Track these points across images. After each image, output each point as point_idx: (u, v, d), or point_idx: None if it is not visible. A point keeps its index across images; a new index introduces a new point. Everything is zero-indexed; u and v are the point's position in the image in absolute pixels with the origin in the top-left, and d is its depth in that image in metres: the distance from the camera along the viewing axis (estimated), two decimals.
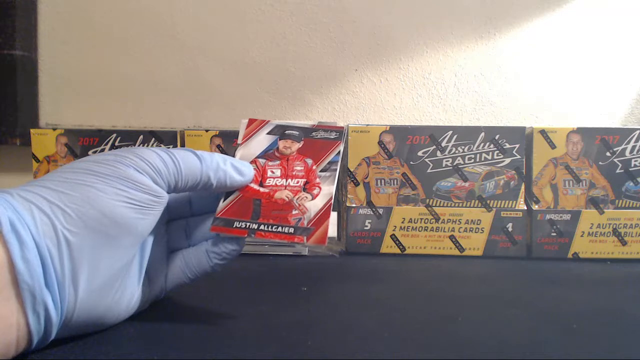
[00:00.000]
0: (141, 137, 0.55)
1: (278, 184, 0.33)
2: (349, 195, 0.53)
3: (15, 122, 0.73)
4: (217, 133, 0.54)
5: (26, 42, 0.74)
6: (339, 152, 0.34)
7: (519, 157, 0.52)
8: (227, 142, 0.54)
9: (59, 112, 0.78)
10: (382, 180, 0.53)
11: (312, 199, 0.32)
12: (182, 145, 0.55)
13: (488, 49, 0.75)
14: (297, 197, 0.32)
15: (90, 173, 0.25)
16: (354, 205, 0.53)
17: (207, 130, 0.55)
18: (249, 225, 0.30)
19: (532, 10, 0.74)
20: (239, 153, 0.35)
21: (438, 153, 0.52)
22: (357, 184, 0.53)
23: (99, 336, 0.27)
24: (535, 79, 0.75)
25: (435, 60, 0.76)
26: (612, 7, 0.73)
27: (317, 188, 0.32)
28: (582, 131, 0.52)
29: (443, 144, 0.52)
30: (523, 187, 0.52)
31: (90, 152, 0.55)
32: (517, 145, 0.52)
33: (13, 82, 0.72)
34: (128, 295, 0.28)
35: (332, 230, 0.56)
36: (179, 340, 0.27)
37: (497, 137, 0.52)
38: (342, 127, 0.35)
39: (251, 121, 0.36)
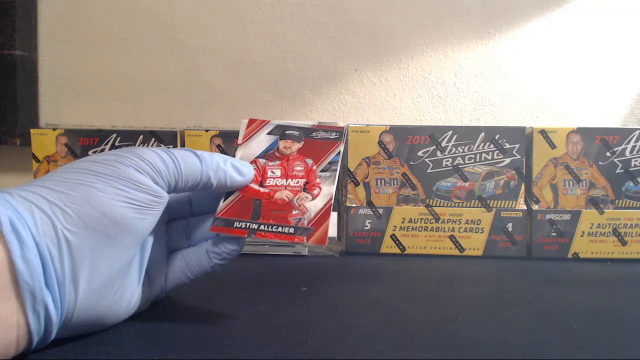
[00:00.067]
0: (141, 137, 0.55)
1: (278, 184, 0.33)
2: (349, 195, 0.53)
3: (15, 122, 0.73)
4: (217, 133, 0.54)
5: (26, 42, 0.74)
6: (339, 152, 0.34)
7: (519, 157, 0.52)
8: (227, 142, 0.54)
9: (59, 112, 0.78)
10: (382, 180, 0.53)
11: (312, 199, 0.32)
12: (182, 145, 0.55)
13: (488, 49, 0.75)
14: (297, 197, 0.32)
15: (91, 173, 0.25)
16: (354, 205, 0.53)
17: (207, 130, 0.55)
18: (249, 225, 0.30)
19: (532, 10, 0.74)
20: (239, 153, 0.35)
21: (438, 153, 0.52)
22: (357, 184, 0.53)
23: (99, 336, 0.27)
24: (535, 79, 0.75)
25: (435, 60, 0.76)
26: (612, 7, 0.73)
27: (317, 188, 0.32)
28: (582, 131, 0.52)
29: (443, 144, 0.52)
30: (523, 187, 0.52)
31: (90, 152, 0.55)
32: (517, 145, 0.52)
33: (13, 82, 0.72)
34: (128, 295, 0.28)
35: (332, 230, 0.56)
36: (179, 340, 0.27)
37: (497, 137, 0.52)
38: (343, 127, 0.35)
39: (251, 121, 0.36)
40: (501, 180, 0.52)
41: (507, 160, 0.52)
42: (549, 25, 0.74)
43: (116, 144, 0.55)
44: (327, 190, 0.32)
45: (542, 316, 0.32)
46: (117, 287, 0.27)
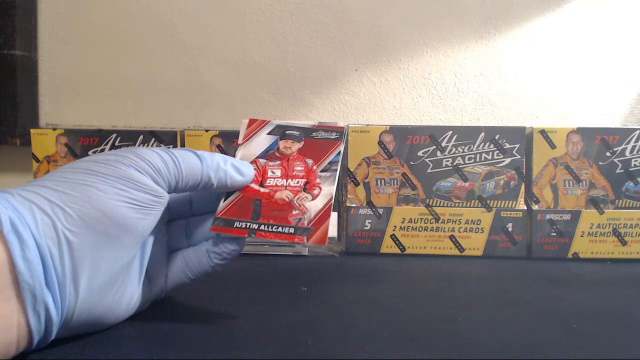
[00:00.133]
0: (141, 137, 0.55)
1: (278, 184, 0.33)
2: (349, 195, 0.53)
3: (15, 122, 0.73)
4: (217, 133, 0.54)
5: (26, 42, 0.74)
6: (340, 152, 0.34)
7: (519, 157, 0.52)
8: (227, 142, 0.54)
9: (59, 112, 0.78)
10: (382, 180, 0.53)
11: (313, 199, 0.32)
12: (182, 145, 0.55)
13: (488, 49, 0.75)
14: (297, 197, 0.32)
15: (91, 173, 0.25)
16: (354, 205, 0.53)
17: (207, 130, 0.55)
18: (249, 225, 0.30)
19: (532, 10, 0.74)
20: (239, 153, 0.35)
21: (438, 153, 0.52)
22: (357, 184, 0.53)
23: (99, 336, 0.27)
24: (535, 79, 0.75)
25: (435, 60, 0.76)
26: (612, 7, 0.73)
27: (317, 188, 0.32)
28: (582, 131, 0.52)
29: (443, 144, 0.52)
30: (523, 187, 0.52)
31: (90, 152, 0.55)
32: (517, 145, 0.52)
33: (13, 82, 0.72)
34: (128, 295, 0.28)
35: (332, 230, 0.56)
36: (179, 340, 0.27)
37: (497, 137, 0.52)
38: (343, 128, 0.35)
39: (251, 121, 0.36)
40: (501, 180, 0.52)
41: (507, 160, 0.52)
42: (549, 25, 0.74)
43: (116, 144, 0.55)
44: (327, 190, 0.32)
45: (542, 316, 0.32)
46: (117, 287, 0.27)
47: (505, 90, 0.76)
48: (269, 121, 0.36)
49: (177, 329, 0.29)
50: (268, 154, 0.34)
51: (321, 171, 0.33)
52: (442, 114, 0.76)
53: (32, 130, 0.55)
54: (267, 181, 0.33)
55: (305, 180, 0.33)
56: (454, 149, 0.52)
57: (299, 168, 0.33)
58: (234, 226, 0.30)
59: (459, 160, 0.52)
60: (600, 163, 0.51)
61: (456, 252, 0.52)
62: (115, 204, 0.25)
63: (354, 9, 0.76)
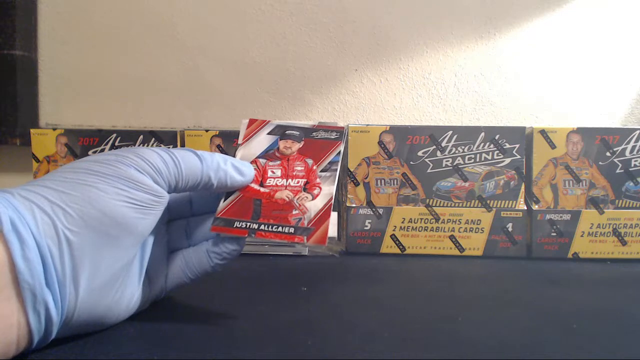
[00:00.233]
0: (141, 137, 0.55)
1: (278, 184, 0.33)
2: (349, 195, 0.53)
3: (15, 122, 0.73)
4: (217, 133, 0.54)
5: (26, 42, 0.74)
6: (340, 152, 0.34)
7: (519, 157, 0.52)
8: (227, 142, 0.54)
9: (59, 112, 0.78)
10: (382, 180, 0.53)
11: (313, 199, 0.32)
12: (182, 145, 0.55)
13: (488, 49, 0.75)
14: (297, 197, 0.32)
15: (91, 173, 0.25)
16: (354, 205, 0.53)
17: (207, 130, 0.55)
18: (250, 225, 0.30)
19: (532, 10, 0.74)
20: (239, 153, 0.35)
21: (438, 153, 0.52)
22: (357, 184, 0.53)
23: (99, 336, 0.27)
24: (535, 79, 0.75)
25: (435, 60, 0.76)
26: (612, 7, 0.73)
27: (317, 188, 0.32)
28: (582, 131, 0.52)
29: (443, 144, 0.52)
30: (523, 187, 0.52)
31: (90, 152, 0.55)
32: (517, 145, 0.52)
33: (13, 82, 0.72)
34: (128, 295, 0.28)
35: (332, 230, 0.56)
36: (179, 340, 0.27)
37: (497, 137, 0.52)
38: (343, 127, 0.35)
39: (252, 121, 0.36)
40: (501, 180, 0.52)
41: (507, 160, 0.52)
42: (549, 25, 0.74)
43: (116, 144, 0.55)
44: (327, 190, 0.32)
45: (542, 316, 0.32)
46: (117, 287, 0.27)
47: (505, 90, 0.76)
48: (269, 121, 0.36)
49: (177, 329, 0.29)
50: (268, 154, 0.34)
51: (321, 171, 0.33)
52: (442, 114, 0.76)
53: (32, 130, 0.55)
54: (267, 181, 0.33)
55: (305, 180, 0.33)
56: (454, 149, 0.52)
57: (299, 168, 0.33)
58: (234, 226, 0.30)
59: (459, 160, 0.52)
60: (600, 163, 0.51)
61: (456, 252, 0.52)
62: (115, 204, 0.25)
63: (354, 9, 0.76)
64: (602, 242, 0.51)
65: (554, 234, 0.51)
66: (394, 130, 0.53)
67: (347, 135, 0.53)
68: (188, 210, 0.34)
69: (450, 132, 0.52)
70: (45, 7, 0.76)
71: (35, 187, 0.24)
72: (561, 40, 0.74)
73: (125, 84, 0.77)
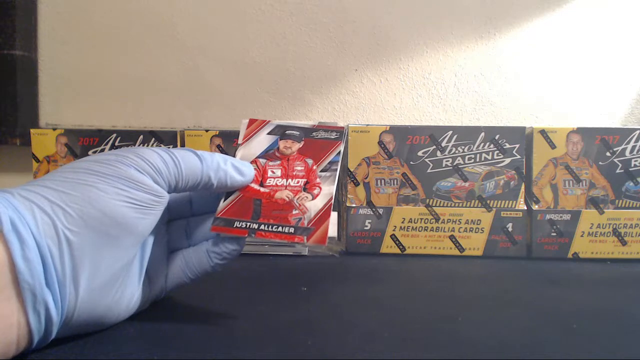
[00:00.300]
0: (141, 137, 0.55)
1: (278, 184, 0.33)
2: (349, 195, 0.53)
3: (15, 122, 0.73)
4: (217, 133, 0.54)
5: (26, 42, 0.74)
6: (340, 152, 0.34)
7: (519, 157, 0.52)
8: (227, 142, 0.54)
9: (59, 112, 0.78)
10: (382, 180, 0.53)
11: (313, 198, 0.32)
12: (182, 145, 0.55)
13: (488, 49, 0.75)
14: (297, 197, 0.32)
15: (91, 173, 0.25)
16: (354, 205, 0.53)
17: (207, 130, 0.55)
18: (250, 225, 0.30)
19: (532, 10, 0.74)
20: (239, 153, 0.35)
21: (438, 153, 0.52)
22: (357, 184, 0.53)
23: (99, 336, 0.27)
24: (535, 79, 0.75)
25: (435, 60, 0.76)
26: (612, 7, 0.73)
27: (317, 188, 0.32)
28: (582, 131, 0.52)
29: (443, 144, 0.52)
30: (523, 187, 0.52)
31: (90, 152, 0.55)
32: (517, 145, 0.52)
33: (13, 82, 0.72)
34: (128, 295, 0.28)
35: (332, 230, 0.56)
36: (179, 340, 0.27)
37: (497, 137, 0.52)
38: (343, 127, 0.35)
39: (252, 121, 0.36)
40: (501, 180, 0.52)
41: (507, 160, 0.52)
42: (549, 25, 0.74)
43: (116, 144, 0.55)
44: (327, 190, 0.32)
45: (542, 316, 0.32)
46: (117, 287, 0.27)
47: (505, 90, 0.76)
48: (269, 121, 0.36)
49: (177, 329, 0.29)
50: (268, 153, 0.34)
51: (321, 171, 0.33)
52: (442, 114, 0.76)
53: (32, 130, 0.55)
54: (267, 181, 0.33)
55: (305, 180, 0.33)
56: (454, 149, 0.52)
57: (299, 168, 0.33)
58: (234, 226, 0.30)
59: (459, 160, 0.52)
60: (600, 163, 0.51)
61: (456, 252, 0.52)
62: (115, 204, 0.25)
63: (354, 9, 0.76)
64: (602, 242, 0.51)
65: (554, 234, 0.51)
66: (394, 130, 0.53)
67: (347, 135, 0.53)
68: (188, 210, 0.34)
69: (450, 132, 0.52)
70: (45, 7, 0.76)
71: (35, 187, 0.24)
72: (561, 40, 0.74)
73: (125, 84, 0.77)
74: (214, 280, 0.39)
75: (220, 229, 0.30)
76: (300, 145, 0.35)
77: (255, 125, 0.36)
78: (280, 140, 0.35)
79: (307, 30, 0.76)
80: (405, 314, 0.33)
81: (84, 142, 0.55)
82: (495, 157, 0.52)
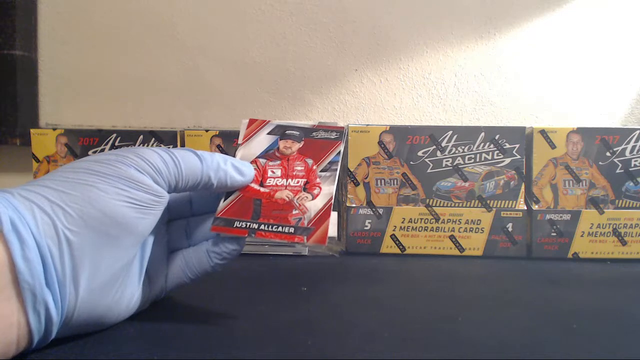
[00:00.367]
0: (141, 137, 0.55)
1: (278, 183, 0.33)
2: (349, 195, 0.53)
3: (15, 122, 0.73)
4: (217, 133, 0.54)
5: (26, 42, 0.74)
6: (340, 152, 0.34)
7: (519, 157, 0.52)
8: (227, 142, 0.54)
9: (59, 112, 0.78)
10: (382, 180, 0.53)
11: (313, 198, 0.32)
12: (182, 145, 0.55)
13: (488, 49, 0.75)
14: (297, 197, 0.32)
15: (91, 173, 0.25)
16: (354, 205, 0.53)
17: (207, 130, 0.55)
18: (250, 225, 0.30)
19: (532, 10, 0.74)
20: (239, 153, 0.35)
21: (438, 153, 0.52)
22: (357, 184, 0.53)
23: (99, 336, 0.27)
24: (535, 79, 0.75)
25: (435, 60, 0.76)
26: (612, 7, 0.73)
27: (317, 188, 0.32)
28: (582, 131, 0.52)
29: (443, 144, 0.52)
30: (523, 187, 0.52)
31: (90, 152, 0.55)
32: (517, 145, 0.52)
33: (13, 82, 0.72)
34: (128, 295, 0.28)
35: (332, 230, 0.56)
36: (179, 340, 0.27)
37: (497, 137, 0.52)
38: (343, 127, 0.35)
39: (251, 121, 0.36)
40: (501, 180, 0.52)
41: (507, 160, 0.52)
42: (549, 25, 0.74)
43: (116, 144, 0.55)
44: (327, 190, 0.32)
45: (542, 316, 0.32)
46: (117, 287, 0.27)
47: (505, 90, 0.76)
48: (269, 121, 0.36)
49: (177, 328, 0.29)
50: (268, 153, 0.34)
51: (321, 171, 0.33)
52: (442, 114, 0.76)
53: (32, 130, 0.55)
54: (267, 181, 0.33)
55: (305, 180, 0.33)
56: (454, 149, 0.52)
57: (299, 168, 0.33)
58: (234, 226, 0.30)
59: (459, 160, 0.52)
60: (600, 163, 0.51)
61: (456, 252, 0.52)
62: (115, 204, 0.25)
63: (354, 9, 0.76)
64: (602, 242, 0.51)
65: (554, 234, 0.51)
66: (394, 130, 0.53)
67: (347, 135, 0.53)
68: (188, 210, 0.34)
69: (450, 132, 0.52)
70: (45, 7, 0.76)
71: (35, 187, 0.24)
72: (561, 40, 0.74)
73: (125, 84, 0.77)
74: (214, 280, 0.39)
75: (220, 229, 0.30)
76: (300, 145, 0.35)
77: (255, 125, 0.36)
78: (280, 140, 0.35)
79: (307, 30, 0.76)
80: (405, 314, 0.33)
81: (84, 142, 0.55)
82: (495, 157, 0.52)
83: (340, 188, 0.55)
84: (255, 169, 0.33)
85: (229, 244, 0.31)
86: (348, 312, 0.33)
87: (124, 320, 0.29)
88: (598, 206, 0.51)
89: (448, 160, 0.52)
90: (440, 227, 0.52)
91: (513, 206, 0.52)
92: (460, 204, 0.52)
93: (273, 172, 0.33)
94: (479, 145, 0.52)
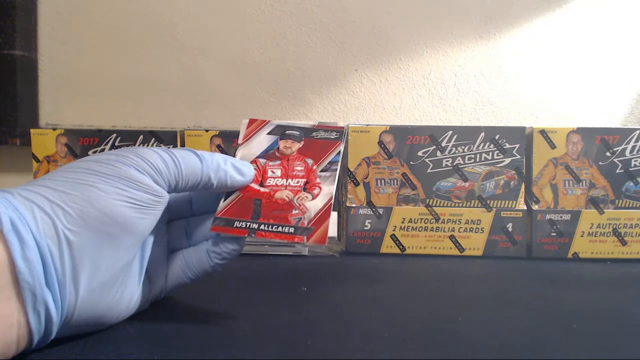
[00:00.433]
0: (141, 137, 0.55)
1: (278, 183, 0.33)
2: (349, 195, 0.53)
3: (15, 122, 0.73)
4: (217, 133, 0.54)
5: (26, 42, 0.74)
6: (339, 152, 0.34)
7: (519, 157, 0.52)
8: (227, 142, 0.54)
9: (59, 112, 0.78)
10: (382, 180, 0.53)
11: (313, 198, 0.32)
12: (182, 145, 0.55)
13: (488, 49, 0.75)
14: (297, 197, 0.32)
15: (91, 172, 0.25)
16: (354, 205, 0.53)
17: (207, 130, 0.55)
18: (249, 225, 0.30)
19: (532, 10, 0.74)
20: (239, 153, 0.35)
21: (438, 153, 0.52)
22: (357, 184, 0.53)
23: (99, 336, 0.27)
24: (535, 79, 0.75)
25: (435, 60, 0.76)
26: (612, 7, 0.73)
27: (317, 188, 0.32)
28: (582, 131, 0.52)
29: (443, 144, 0.52)
30: (523, 187, 0.52)
31: (90, 152, 0.55)
32: (517, 145, 0.52)
33: (13, 82, 0.72)
34: (128, 295, 0.28)
35: (332, 230, 0.56)
36: (179, 340, 0.27)
37: (497, 137, 0.52)
38: (343, 127, 0.35)
39: (251, 121, 0.36)
40: (501, 180, 0.52)
41: (507, 160, 0.52)
42: (549, 25, 0.74)
43: (116, 144, 0.55)
44: (327, 190, 0.32)
45: (542, 316, 0.32)
46: (117, 287, 0.27)
47: (505, 90, 0.76)
48: (269, 121, 0.36)
49: (177, 328, 0.29)
50: (268, 153, 0.34)
51: (321, 171, 0.33)
52: (442, 114, 0.76)
53: (32, 130, 0.55)
54: (267, 181, 0.33)
55: (305, 180, 0.33)
56: (454, 149, 0.52)
57: (299, 168, 0.33)
58: (234, 226, 0.30)
59: (459, 160, 0.52)
60: (600, 163, 0.51)
61: (456, 252, 0.52)
62: (115, 204, 0.25)
63: (354, 9, 0.76)
64: (602, 242, 0.51)
65: (554, 234, 0.51)
66: (394, 130, 0.53)
67: (347, 135, 0.53)
68: (188, 210, 0.34)
69: (450, 132, 0.52)
70: (45, 7, 0.76)
71: (35, 187, 0.24)
72: (561, 40, 0.74)
73: (125, 84, 0.77)
74: (214, 280, 0.39)
75: (220, 229, 0.30)
76: (300, 145, 0.35)
77: (255, 125, 0.36)
78: (280, 140, 0.35)
79: (307, 30, 0.76)
80: (405, 314, 0.33)
81: (84, 142, 0.55)
82: (495, 157, 0.52)
83: (340, 188, 0.55)
84: (255, 169, 0.33)
85: (229, 244, 0.31)
86: (348, 312, 0.33)
87: (124, 320, 0.29)
88: (598, 206, 0.51)
89: (448, 160, 0.52)
90: (440, 227, 0.52)
91: (513, 206, 0.52)
92: (460, 204, 0.52)
93: (273, 172, 0.33)
94: (479, 145, 0.52)
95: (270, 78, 0.77)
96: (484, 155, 0.52)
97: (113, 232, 0.25)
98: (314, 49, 0.76)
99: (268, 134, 0.36)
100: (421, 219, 0.52)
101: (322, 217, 0.31)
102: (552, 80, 0.75)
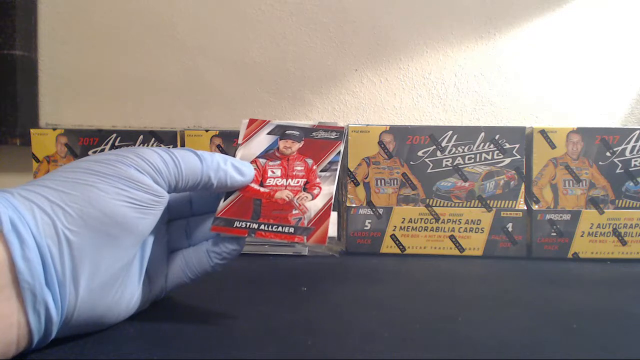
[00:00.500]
0: (141, 137, 0.55)
1: (278, 183, 0.33)
2: (349, 195, 0.53)
3: (15, 122, 0.73)
4: (217, 133, 0.54)
5: (26, 42, 0.74)
6: (339, 152, 0.34)
7: (519, 157, 0.52)
8: (227, 142, 0.54)
9: (59, 112, 0.78)
10: (382, 180, 0.53)
11: (313, 198, 0.32)
12: (182, 145, 0.55)
13: (488, 49, 0.75)
14: (297, 197, 0.32)
15: (91, 172, 0.25)
16: (354, 205, 0.53)
17: (207, 130, 0.55)
18: (249, 225, 0.30)
19: (532, 10, 0.74)
20: (239, 153, 0.35)
21: (438, 153, 0.52)
22: (357, 184, 0.53)
23: (99, 336, 0.27)
24: (535, 79, 0.75)
25: (435, 60, 0.76)
26: (612, 7, 0.73)
27: (317, 188, 0.32)
28: (582, 131, 0.52)
29: (443, 144, 0.52)
30: (523, 187, 0.52)
31: (90, 152, 0.55)
32: (517, 145, 0.52)
33: (13, 82, 0.72)
34: (128, 295, 0.28)
35: (332, 230, 0.56)
36: (179, 340, 0.27)
37: (497, 137, 0.52)
38: (343, 127, 0.35)
39: (251, 121, 0.36)
40: (501, 180, 0.52)
41: (507, 160, 0.52)
42: (549, 25, 0.74)
43: (116, 144, 0.55)
44: (327, 190, 0.32)
45: (542, 316, 0.32)
46: (117, 287, 0.27)
47: (505, 90, 0.76)
48: (269, 121, 0.36)
49: (177, 328, 0.29)
50: (268, 153, 0.34)
51: (321, 171, 0.33)
52: (442, 114, 0.76)
53: (32, 130, 0.55)
54: (267, 181, 0.33)
55: (305, 180, 0.33)
56: (454, 149, 0.52)
57: (299, 168, 0.33)
58: (234, 226, 0.30)
59: (459, 160, 0.52)
60: (600, 163, 0.51)
61: (456, 252, 0.52)
62: (115, 204, 0.25)
63: (354, 9, 0.76)
64: (602, 242, 0.51)
65: (554, 234, 0.51)
66: (394, 130, 0.53)
67: (347, 135, 0.53)
68: (188, 210, 0.34)
69: (450, 132, 0.52)
70: (45, 7, 0.76)
71: (35, 187, 0.24)
72: (561, 40, 0.74)
73: (125, 84, 0.77)
74: (214, 280, 0.39)
75: (220, 229, 0.30)
76: (300, 145, 0.35)
77: (255, 125, 0.36)
78: (280, 140, 0.35)
79: (307, 30, 0.76)
80: (405, 314, 0.33)
81: (84, 142, 0.55)
82: (495, 157, 0.52)
83: (340, 188, 0.55)
84: (255, 169, 0.33)
85: (229, 244, 0.31)
86: (348, 312, 0.33)
87: (124, 320, 0.29)
88: (598, 206, 0.51)
89: (448, 160, 0.52)
90: (440, 227, 0.52)
91: (513, 206, 0.52)
92: (460, 204, 0.52)
93: (273, 172, 0.33)
94: (479, 145, 0.52)
95: (270, 78, 0.77)
96: (484, 155, 0.52)
97: (113, 232, 0.25)
98: (314, 49, 0.76)
99: (268, 134, 0.36)
100: (421, 219, 0.52)
101: (322, 217, 0.31)
102: (552, 80, 0.75)
